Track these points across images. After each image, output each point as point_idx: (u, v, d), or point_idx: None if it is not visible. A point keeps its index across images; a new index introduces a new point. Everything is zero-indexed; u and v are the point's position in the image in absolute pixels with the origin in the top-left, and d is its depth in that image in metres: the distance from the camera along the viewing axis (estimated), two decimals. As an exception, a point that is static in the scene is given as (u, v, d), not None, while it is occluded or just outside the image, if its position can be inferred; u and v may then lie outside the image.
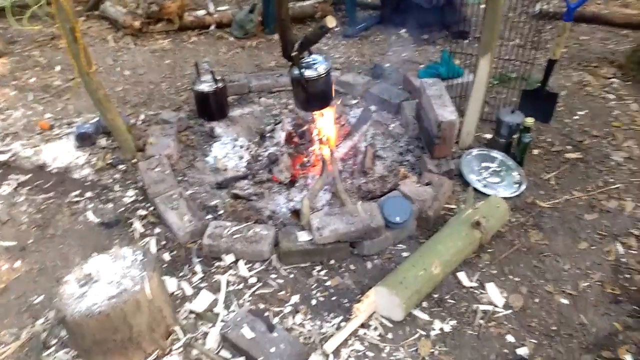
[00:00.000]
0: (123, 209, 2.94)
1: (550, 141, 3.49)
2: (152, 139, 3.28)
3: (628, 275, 2.54)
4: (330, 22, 2.62)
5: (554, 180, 3.16)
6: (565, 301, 2.42)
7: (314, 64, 2.89)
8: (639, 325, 2.29)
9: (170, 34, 4.96)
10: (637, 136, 3.55)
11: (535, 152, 3.38)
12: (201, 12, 5.06)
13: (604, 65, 4.49)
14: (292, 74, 2.90)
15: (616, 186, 3.10)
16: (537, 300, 2.43)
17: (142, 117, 3.75)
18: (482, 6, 3.20)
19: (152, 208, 2.92)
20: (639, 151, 3.40)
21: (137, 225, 2.81)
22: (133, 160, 3.24)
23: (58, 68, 4.39)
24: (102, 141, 3.46)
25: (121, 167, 3.23)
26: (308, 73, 2.83)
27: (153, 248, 2.65)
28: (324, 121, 3.29)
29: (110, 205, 2.97)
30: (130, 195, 3.04)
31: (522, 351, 2.20)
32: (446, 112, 3.01)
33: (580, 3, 3.19)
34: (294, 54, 2.79)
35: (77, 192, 3.06)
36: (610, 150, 3.41)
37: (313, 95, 2.93)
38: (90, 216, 2.89)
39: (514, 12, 4.45)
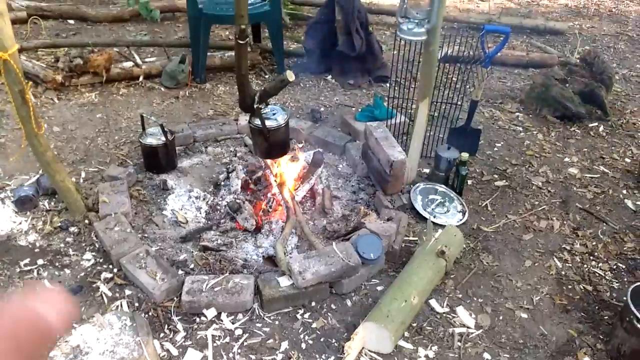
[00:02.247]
0: (83, 273, 2.79)
1: (479, 172, 3.89)
2: (104, 197, 3.16)
3: (570, 286, 2.90)
4: (290, 76, 2.79)
5: (490, 206, 3.52)
6: (524, 315, 2.70)
7: (274, 114, 3.03)
8: (590, 330, 2.63)
9: (97, 87, 4.81)
10: (548, 162, 4.07)
11: (469, 182, 3.74)
12: (128, 64, 4.98)
13: (507, 101, 5.10)
14: (253, 124, 3.01)
15: (542, 207, 3.53)
16: (501, 317, 2.69)
17: (83, 175, 3.59)
18: (394, 52, 3.56)
19: (116, 270, 2.81)
20: (553, 175, 3.90)
21: (104, 289, 2.68)
22: (85, 221, 3.10)
23: (-26, 128, 4.07)
24: (45, 203, 3.26)
25: (72, 229, 3.07)
26: (269, 123, 2.96)
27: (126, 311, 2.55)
28: (281, 167, 3.41)
29: (67, 271, 2.81)
30: (88, 258, 2.89)
31: (500, 366, 2.42)
32: (396, 152, 3.26)
33: (496, 52, 3.66)
34: (256, 106, 2.90)
35: (27, 260, 2.85)
36: (530, 176, 3.87)
37: (274, 143, 3.06)
38: (48, 285, 2.71)
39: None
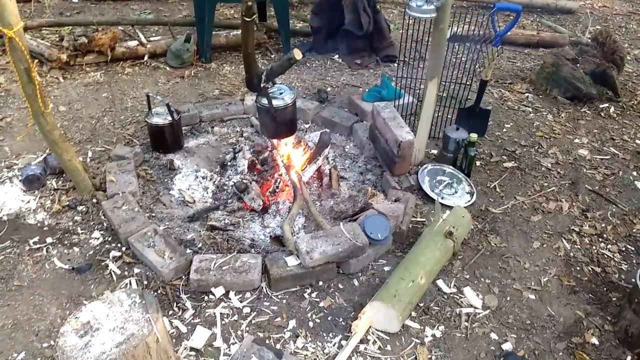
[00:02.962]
0: (92, 252, 2.81)
1: (488, 152, 3.86)
2: (112, 176, 3.16)
3: (578, 268, 2.89)
4: (298, 54, 2.76)
5: (499, 188, 3.50)
6: (532, 296, 2.70)
7: (281, 93, 3.00)
8: (598, 311, 2.62)
9: (102, 66, 4.78)
10: (558, 143, 4.03)
11: (478, 163, 3.71)
12: (133, 43, 4.94)
13: (517, 81, 5.03)
14: (260, 103, 2.98)
15: (551, 189, 3.50)
16: (508, 298, 2.69)
17: (89, 154, 3.59)
18: (402, 31, 3.50)
19: (124, 248, 2.82)
20: (562, 156, 3.86)
21: (113, 268, 2.70)
22: (93, 200, 3.10)
23: (-19, 107, 4.06)
24: (52, 182, 3.26)
25: (80, 208, 3.08)
26: (276, 103, 2.93)
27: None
28: (288, 147, 3.40)
29: (76, 249, 2.82)
30: (96, 237, 2.90)
31: (507, 346, 2.42)
32: (404, 133, 3.24)
33: (506, 30, 3.60)
34: (262, 85, 2.87)
35: (36, 239, 2.87)
36: (539, 157, 3.83)
37: (281, 123, 3.04)
38: (58, 262, 2.72)
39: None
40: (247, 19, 2.64)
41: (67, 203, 3.09)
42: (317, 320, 2.49)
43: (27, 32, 4.92)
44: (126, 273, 2.69)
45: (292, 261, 2.62)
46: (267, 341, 2.36)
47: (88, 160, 3.53)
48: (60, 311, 2.48)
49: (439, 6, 2.98)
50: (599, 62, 4.69)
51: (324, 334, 2.43)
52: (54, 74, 4.60)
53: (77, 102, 4.23)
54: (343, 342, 2.37)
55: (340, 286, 2.68)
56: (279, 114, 2.94)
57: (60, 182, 3.28)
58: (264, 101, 2.93)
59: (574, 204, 3.37)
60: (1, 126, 3.84)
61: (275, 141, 3.41)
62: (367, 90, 4.33)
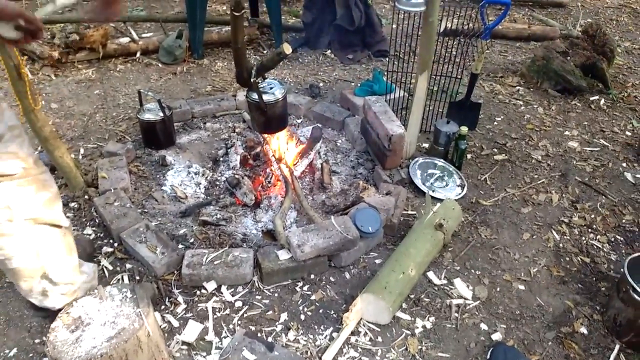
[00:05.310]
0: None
1: (479, 146, 3.88)
2: (104, 172, 3.16)
3: (568, 258, 2.92)
4: (287, 49, 2.76)
5: (489, 180, 3.52)
6: (521, 287, 2.73)
7: (271, 88, 3.00)
8: (587, 301, 2.65)
9: (94, 63, 4.77)
10: (548, 136, 4.06)
11: (469, 156, 3.73)
12: (125, 40, 4.93)
13: (508, 75, 5.05)
14: (251, 98, 2.99)
15: (541, 181, 3.53)
16: (498, 289, 2.71)
17: (81, 151, 3.59)
18: (394, 26, 3.51)
19: (116, 244, 2.83)
20: (552, 149, 3.89)
21: (105, 263, 2.71)
22: (85, 197, 3.11)
23: (-28, 105, 4.04)
24: (44, 179, 3.26)
25: (72, 204, 3.08)
26: (267, 97, 2.94)
27: (127, 285, 2.57)
28: (279, 142, 3.41)
29: (68, 245, 2.83)
30: (88, 233, 2.91)
31: (496, 336, 2.45)
32: (394, 126, 3.25)
33: (496, 24, 3.61)
34: (253, 79, 2.88)
35: (28, 236, 2.87)
36: (529, 150, 3.86)
37: (272, 118, 3.04)
38: (50, 259, 2.72)
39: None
40: (237, 14, 2.64)
41: (59, 200, 3.09)
42: (309, 313, 2.51)
43: (17, 30, 4.90)
44: (118, 269, 2.70)
45: (283, 255, 2.64)
46: (259, 334, 2.38)
47: (80, 157, 3.53)
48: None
49: None
50: (589, 55, 4.72)
51: (316, 327, 2.45)
52: (45, 71, 4.59)
53: (69, 99, 4.22)
54: (334, 334, 2.39)
55: (332, 279, 2.70)
56: (270, 109, 2.95)
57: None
58: (254, 96, 2.93)
59: (563, 195, 3.40)
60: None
61: (266, 136, 3.43)
62: (359, 85, 4.35)
